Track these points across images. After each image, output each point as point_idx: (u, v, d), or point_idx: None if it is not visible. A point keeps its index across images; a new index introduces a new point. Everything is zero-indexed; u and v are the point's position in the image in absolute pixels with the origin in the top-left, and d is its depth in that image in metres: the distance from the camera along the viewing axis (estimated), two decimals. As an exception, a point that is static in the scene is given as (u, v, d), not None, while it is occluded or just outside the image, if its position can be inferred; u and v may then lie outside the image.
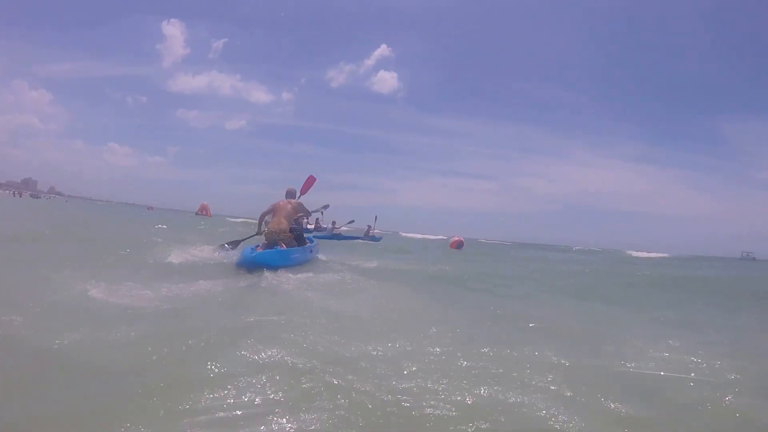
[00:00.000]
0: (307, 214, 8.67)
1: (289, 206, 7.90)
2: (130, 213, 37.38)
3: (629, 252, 48.53)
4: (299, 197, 8.70)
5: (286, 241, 7.57)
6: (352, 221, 23.81)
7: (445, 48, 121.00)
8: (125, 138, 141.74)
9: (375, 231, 24.29)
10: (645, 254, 42.99)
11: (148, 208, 41.59)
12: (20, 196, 71.27)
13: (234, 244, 8.41)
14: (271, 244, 7.44)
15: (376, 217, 24.83)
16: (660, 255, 44.91)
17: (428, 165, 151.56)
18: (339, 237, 21.48)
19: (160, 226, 16.18)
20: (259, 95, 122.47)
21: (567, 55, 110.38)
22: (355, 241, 21.41)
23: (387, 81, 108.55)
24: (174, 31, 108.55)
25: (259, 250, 7.16)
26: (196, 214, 39.37)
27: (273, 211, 7.90)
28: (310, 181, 9.19)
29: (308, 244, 8.35)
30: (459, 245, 23.86)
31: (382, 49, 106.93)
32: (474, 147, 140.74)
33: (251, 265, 6.36)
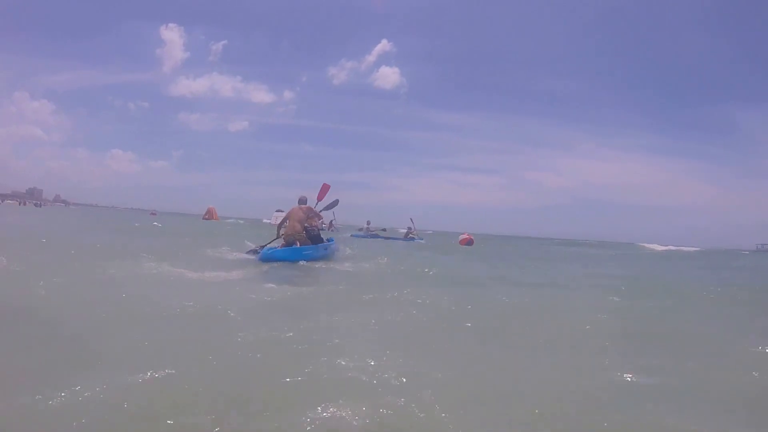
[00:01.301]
0: (317, 215, 9.77)
1: (301, 212, 9.14)
2: (133, 219, 36.30)
3: (643, 244, 47.17)
4: (317, 203, 9.93)
5: (301, 240, 8.85)
6: (384, 230, 25.28)
7: (448, 41, 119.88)
8: (128, 144, 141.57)
9: (415, 231, 24.90)
10: (673, 248, 41.19)
11: (151, 214, 40.87)
12: (24, 205, 71.99)
13: (253, 252, 8.92)
14: (288, 244, 8.75)
15: (411, 219, 25.35)
16: (686, 249, 43.09)
17: (433, 161, 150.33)
18: (378, 237, 22.94)
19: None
20: (261, 95, 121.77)
21: (573, 46, 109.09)
22: (396, 241, 22.16)
23: (389, 76, 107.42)
24: (173, 35, 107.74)
25: (279, 248, 8.58)
26: (203, 218, 38.47)
27: (288, 217, 9.14)
28: (324, 189, 10.16)
29: (323, 243, 9.51)
30: (469, 242, 23.91)
31: (383, 44, 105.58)
32: (479, 141, 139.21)
33: (269, 260, 7.94)
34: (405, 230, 25.21)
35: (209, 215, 38.90)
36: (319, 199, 10.02)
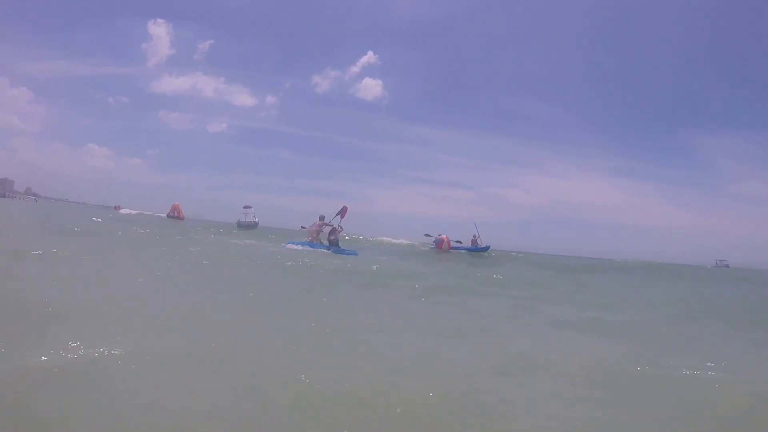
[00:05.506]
0: (329, 224, 15.03)
1: (316, 225, 15.22)
2: (91, 215, 33.42)
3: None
4: (340, 220, 15.29)
5: (317, 240, 14.90)
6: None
7: (431, 58, 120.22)
8: (105, 139, 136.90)
9: (479, 239, 23.85)
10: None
11: (115, 208, 38.93)
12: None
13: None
14: (312, 243, 14.77)
15: (475, 224, 24.51)
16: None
17: (407, 173, 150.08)
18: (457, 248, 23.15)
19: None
20: (243, 98, 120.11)
21: (545, 72, 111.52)
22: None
23: (371, 88, 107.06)
24: (160, 31, 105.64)
25: (308, 240, 15.04)
26: (167, 216, 36.82)
27: (312, 227, 15.20)
28: (344, 211, 15.36)
29: (338, 247, 14.78)
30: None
31: (369, 56, 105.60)
32: (452, 156, 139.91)
33: (293, 246, 14.27)
34: (472, 238, 24.61)
35: (174, 212, 37.18)
36: (342, 217, 15.31)
